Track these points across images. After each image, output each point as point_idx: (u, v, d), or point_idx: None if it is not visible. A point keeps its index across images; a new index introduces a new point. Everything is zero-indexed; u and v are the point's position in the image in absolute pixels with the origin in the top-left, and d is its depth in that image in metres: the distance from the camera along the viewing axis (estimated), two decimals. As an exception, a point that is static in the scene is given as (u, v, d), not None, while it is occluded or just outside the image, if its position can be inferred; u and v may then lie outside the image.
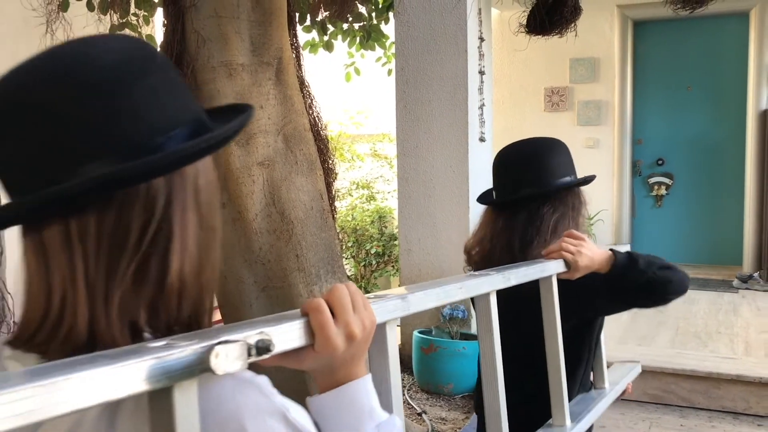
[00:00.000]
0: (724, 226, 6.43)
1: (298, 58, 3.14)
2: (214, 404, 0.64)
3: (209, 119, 0.76)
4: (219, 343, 0.58)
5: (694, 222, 6.51)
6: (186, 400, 0.57)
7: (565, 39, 2.89)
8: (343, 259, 7.73)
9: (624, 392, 1.90)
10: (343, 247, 7.84)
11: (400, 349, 4.57)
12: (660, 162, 6.58)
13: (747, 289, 5.70)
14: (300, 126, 2.88)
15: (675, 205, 6.56)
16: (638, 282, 1.58)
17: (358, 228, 7.83)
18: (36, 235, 0.69)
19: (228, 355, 0.57)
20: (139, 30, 4.52)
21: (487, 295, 1.21)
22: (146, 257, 0.68)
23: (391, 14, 4.96)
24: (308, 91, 3.13)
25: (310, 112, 3.10)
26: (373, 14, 5.24)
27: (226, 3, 2.67)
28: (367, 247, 7.77)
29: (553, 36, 2.73)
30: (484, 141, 4.56)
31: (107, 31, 3.81)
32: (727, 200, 6.41)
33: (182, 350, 0.57)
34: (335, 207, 3.24)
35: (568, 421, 1.46)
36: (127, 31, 4.41)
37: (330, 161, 3.13)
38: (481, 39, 4.42)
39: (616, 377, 1.88)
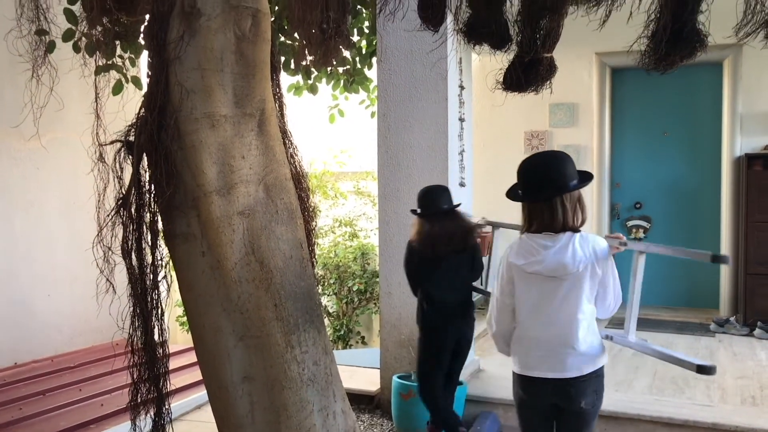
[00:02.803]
0: (701, 270, 6.51)
1: (280, 107, 3.20)
2: (591, 237, 2.49)
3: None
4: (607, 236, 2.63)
5: (671, 265, 6.59)
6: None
7: (552, 86, 2.97)
8: (325, 296, 7.76)
9: None
10: (326, 284, 7.84)
11: (379, 395, 4.57)
12: (638, 206, 6.68)
13: (724, 333, 5.76)
14: (281, 176, 2.92)
15: (653, 248, 6.65)
16: None
17: (340, 265, 7.83)
18: (548, 203, 2.42)
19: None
20: (125, 71, 4.57)
21: None
22: (578, 209, 2.48)
23: (374, 59, 5.05)
24: (290, 141, 3.18)
25: (292, 161, 3.14)
26: (357, 59, 5.34)
27: (210, 56, 2.72)
28: (350, 284, 7.77)
29: (529, 93, 2.80)
30: (464, 186, 4.62)
31: (92, 74, 3.84)
32: (704, 244, 6.49)
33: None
34: (315, 255, 3.27)
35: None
36: (112, 73, 4.46)
37: (310, 210, 3.17)
38: (462, 87, 4.51)
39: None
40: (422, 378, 3.71)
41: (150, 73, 2.79)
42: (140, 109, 2.83)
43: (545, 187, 2.42)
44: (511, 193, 2.55)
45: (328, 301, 7.93)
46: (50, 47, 3.80)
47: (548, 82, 2.78)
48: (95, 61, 4.06)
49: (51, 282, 5.79)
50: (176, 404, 4.17)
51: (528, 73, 2.71)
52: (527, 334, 2.54)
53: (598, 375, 2.52)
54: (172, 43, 2.73)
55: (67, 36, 4.17)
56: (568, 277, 2.42)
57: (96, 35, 4.04)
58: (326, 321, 8.04)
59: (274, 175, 2.89)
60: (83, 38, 4.10)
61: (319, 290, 7.95)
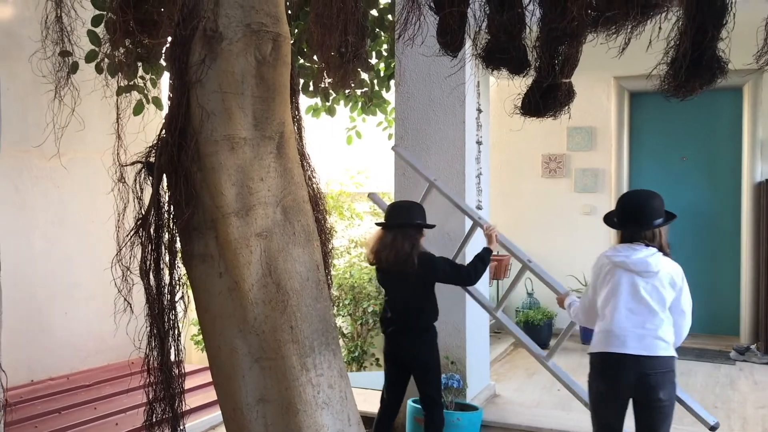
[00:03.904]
0: (721, 297, 6.43)
1: (299, 130, 3.22)
2: (674, 263, 2.93)
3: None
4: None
5: (690, 291, 6.51)
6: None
7: (570, 111, 2.98)
8: (340, 317, 7.74)
9: None
10: (340, 304, 7.82)
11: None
12: (656, 230, 6.62)
13: (744, 361, 5.67)
14: (299, 198, 2.93)
15: (671, 273, 6.57)
16: None
17: (355, 286, 7.81)
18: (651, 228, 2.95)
19: None
20: (146, 92, 4.63)
21: None
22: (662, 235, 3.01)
23: (392, 82, 5.08)
24: (308, 163, 3.19)
25: (310, 183, 3.15)
26: (375, 81, 5.38)
27: (230, 79, 2.75)
28: (365, 306, 7.74)
29: (547, 118, 2.80)
30: (481, 209, 4.60)
31: (114, 95, 3.89)
32: (724, 270, 6.42)
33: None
34: (331, 277, 3.27)
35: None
36: (134, 94, 4.53)
37: (327, 232, 3.17)
38: (479, 110, 4.52)
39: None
40: None
41: (171, 95, 2.82)
42: (161, 130, 2.86)
43: (631, 223, 2.98)
44: (608, 220, 3.11)
45: (342, 322, 7.90)
46: (73, 68, 3.87)
47: (566, 108, 2.78)
48: (117, 81, 4.12)
49: (68, 300, 5.83)
50: (190, 425, 4.16)
51: (546, 99, 2.71)
52: (611, 319, 2.94)
53: (672, 369, 2.90)
54: (193, 66, 2.76)
55: (90, 57, 4.24)
56: (648, 276, 2.89)
57: (118, 56, 4.11)
58: (341, 342, 8.00)
59: (292, 197, 2.90)
60: (106, 59, 4.17)
61: (334, 311, 7.96)
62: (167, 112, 2.86)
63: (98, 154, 4.48)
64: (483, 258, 3.70)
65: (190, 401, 4.39)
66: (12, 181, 5.47)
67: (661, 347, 2.86)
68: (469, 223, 4.17)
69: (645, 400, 2.87)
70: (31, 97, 5.32)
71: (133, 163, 2.90)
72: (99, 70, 4.22)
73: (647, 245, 2.91)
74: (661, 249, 2.93)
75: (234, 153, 2.76)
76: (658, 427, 2.89)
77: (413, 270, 3.55)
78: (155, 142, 2.88)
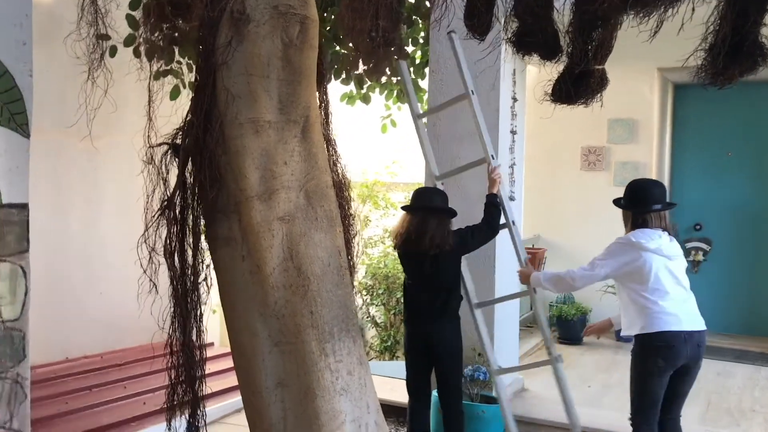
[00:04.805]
0: (764, 296, 6.22)
1: (326, 115, 3.19)
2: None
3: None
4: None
5: (731, 290, 6.31)
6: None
7: (602, 100, 2.88)
8: (374, 306, 7.73)
9: None
10: (374, 294, 7.82)
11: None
12: (698, 227, 6.43)
13: (786, 363, 5.48)
14: (322, 183, 2.90)
15: (712, 271, 6.37)
16: None
17: (389, 275, 7.80)
18: (658, 212, 3.23)
19: None
20: (182, 77, 4.66)
21: None
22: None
23: (427, 70, 5.02)
24: (334, 149, 3.16)
25: (335, 169, 3.13)
26: (411, 69, 5.31)
27: (256, 62, 2.73)
28: (398, 295, 7.73)
29: (578, 105, 2.72)
30: (513, 200, 4.52)
31: (148, 78, 3.91)
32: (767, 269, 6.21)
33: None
34: (354, 264, 3.24)
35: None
36: (170, 78, 4.56)
37: (351, 218, 3.14)
38: (514, 99, 4.43)
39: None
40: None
41: (198, 77, 2.82)
42: (188, 113, 2.87)
43: (633, 205, 3.26)
44: (617, 203, 3.38)
45: (376, 311, 7.90)
46: (112, 52, 3.91)
47: (599, 95, 2.69)
48: (151, 65, 4.15)
49: (103, 280, 5.93)
50: (218, 406, 4.20)
51: (578, 86, 2.63)
52: (660, 303, 3.10)
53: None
54: (220, 48, 2.76)
55: (129, 41, 4.28)
56: (676, 259, 3.17)
57: (155, 40, 4.14)
58: (374, 331, 8.00)
59: (316, 182, 2.87)
60: (142, 43, 4.19)
61: (368, 300, 7.96)
62: (193, 94, 2.87)
63: (133, 136, 4.55)
64: (492, 203, 3.62)
65: (219, 384, 4.44)
66: (50, 161, 5.57)
67: (701, 322, 3.16)
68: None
69: (690, 369, 3.13)
70: (69, 79, 5.40)
71: (159, 145, 2.91)
72: (137, 54, 4.26)
73: (664, 230, 3.18)
74: (669, 232, 3.21)
75: (258, 136, 2.74)
76: (689, 390, 3.23)
77: (450, 250, 3.49)
78: (182, 124, 2.89)
